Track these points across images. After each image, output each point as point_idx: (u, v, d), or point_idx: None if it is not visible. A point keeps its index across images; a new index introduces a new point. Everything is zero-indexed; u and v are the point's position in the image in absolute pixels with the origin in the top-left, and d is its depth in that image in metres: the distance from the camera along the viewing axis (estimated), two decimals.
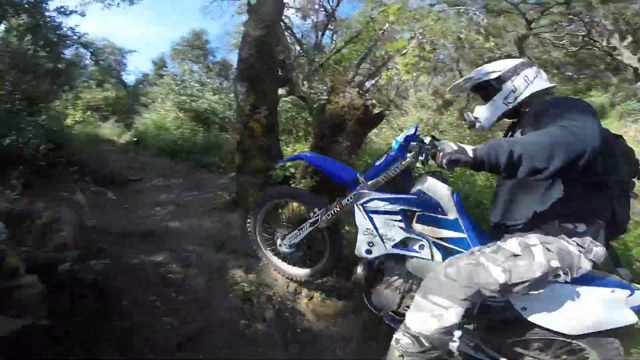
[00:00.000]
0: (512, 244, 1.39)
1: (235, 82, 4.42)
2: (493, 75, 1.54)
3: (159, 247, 2.78)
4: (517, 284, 1.31)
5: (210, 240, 2.93)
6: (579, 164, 1.13)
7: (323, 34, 12.35)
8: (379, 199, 1.55)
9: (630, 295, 1.37)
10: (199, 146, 7.19)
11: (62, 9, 8.89)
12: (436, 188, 1.54)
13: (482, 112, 1.58)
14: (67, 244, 2.08)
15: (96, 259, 2.08)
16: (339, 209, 1.87)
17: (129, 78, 18.29)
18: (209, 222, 3.51)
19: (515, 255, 1.34)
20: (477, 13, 10.63)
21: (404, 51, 9.87)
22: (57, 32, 8.92)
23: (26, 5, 8.40)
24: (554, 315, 1.40)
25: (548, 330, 1.43)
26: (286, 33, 11.07)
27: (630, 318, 1.36)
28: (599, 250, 1.38)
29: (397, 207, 1.52)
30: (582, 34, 11.11)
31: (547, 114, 1.32)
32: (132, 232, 2.94)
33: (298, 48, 12.60)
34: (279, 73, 5.30)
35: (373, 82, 11.48)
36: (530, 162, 1.12)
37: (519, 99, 1.52)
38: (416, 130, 1.62)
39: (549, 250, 1.34)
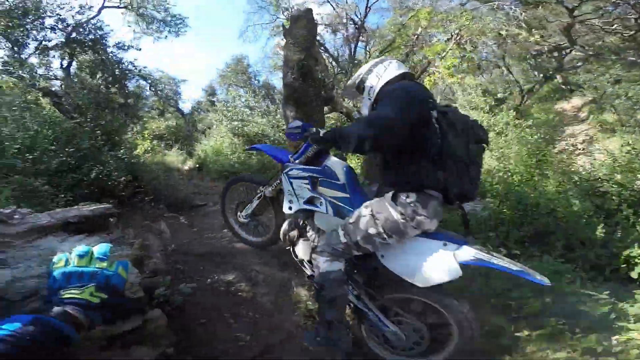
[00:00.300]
0: (359, 210, 1.79)
1: (284, 107, 4.65)
2: (358, 79, 1.94)
3: (228, 267, 3.02)
4: (354, 245, 1.75)
5: (274, 260, 3.09)
6: (370, 146, 1.45)
7: (356, 47, 12.46)
8: (296, 169, 2.13)
9: (458, 249, 1.59)
10: (254, 168, 7.64)
11: (121, 45, 10.19)
12: (334, 162, 2.08)
13: (362, 109, 1.95)
14: (158, 269, 2.37)
15: (182, 282, 2.36)
16: (277, 182, 2.51)
17: (185, 106, 19.83)
18: None
19: (354, 222, 1.76)
20: (513, 7, 10.10)
21: (444, 54, 9.76)
22: (120, 66, 10.12)
23: (90, 43, 9.70)
24: (401, 262, 1.73)
25: (400, 278, 1.73)
26: (320, 49, 11.44)
27: (455, 273, 1.56)
28: (421, 219, 1.61)
29: (306, 174, 2.07)
30: (634, 17, 9.95)
31: (379, 103, 1.66)
32: (203, 254, 3.21)
33: (334, 63, 12.93)
34: (322, 93, 5.50)
35: None
36: (344, 143, 1.56)
37: (375, 93, 1.83)
38: (303, 123, 2.10)
39: (375, 218, 1.68)
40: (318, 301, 1.92)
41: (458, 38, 9.84)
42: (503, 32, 10.97)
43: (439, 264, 1.60)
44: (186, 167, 8.90)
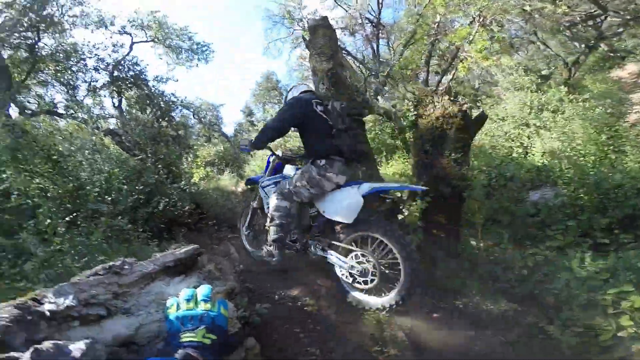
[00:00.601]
0: (296, 172, 2.88)
1: None
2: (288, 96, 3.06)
3: (292, 283, 3.11)
4: (294, 191, 2.74)
5: (333, 272, 3.12)
6: (279, 134, 2.80)
7: (378, 45, 12.23)
8: (266, 180, 3.15)
9: (359, 187, 2.53)
10: None
11: (159, 78, 10.95)
12: (287, 168, 3.12)
13: None
14: (234, 291, 2.49)
15: (256, 301, 2.47)
16: (258, 194, 3.37)
17: (228, 130, 20.85)
18: None
19: (292, 177, 2.82)
20: None
21: (471, 38, 9.30)
22: (164, 99, 10.84)
23: (132, 79, 10.54)
24: (333, 209, 2.63)
25: (335, 221, 2.68)
26: (343, 54, 11.34)
27: (360, 200, 2.48)
28: (330, 175, 2.62)
29: (272, 182, 3.10)
30: None
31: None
32: (267, 271, 3.34)
33: (360, 66, 12.81)
34: (356, 98, 5.44)
35: (450, 77, 10.83)
36: (257, 145, 2.77)
37: None
38: (249, 138, 3.08)
39: (302, 176, 2.69)
40: (269, 226, 2.79)
41: (481, 20, 9.33)
42: (527, 8, 10.38)
43: (352, 201, 2.49)
44: (239, 190, 9.32)
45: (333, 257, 2.67)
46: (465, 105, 3.90)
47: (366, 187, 2.49)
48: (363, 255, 2.52)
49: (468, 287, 2.73)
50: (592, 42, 10.82)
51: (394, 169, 7.49)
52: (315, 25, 4.62)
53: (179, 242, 3.77)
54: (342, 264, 2.61)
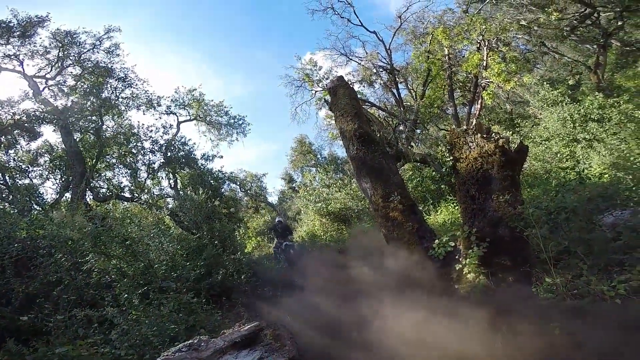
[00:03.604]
0: None
1: (358, 181, 4.58)
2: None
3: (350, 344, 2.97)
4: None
5: None
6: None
7: (398, 90, 12.53)
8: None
9: None
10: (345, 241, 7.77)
11: (206, 156, 12.10)
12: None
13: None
14: (294, 356, 2.46)
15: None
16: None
17: (272, 198, 21.71)
18: None
19: None
20: None
21: (483, 63, 9.46)
22: (213, 176, 11.74)
23: (183, 159, 11.62)
24: None
25: None
26: (365, 106, 11.83)
27: None
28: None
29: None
30: None
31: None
32: (321, 326, 3.28)
33: (387, 117, 13.14)
34: (389, 150, 5.46)
35: (478, 106, 10.76)
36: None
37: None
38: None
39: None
40: None
41: (487, 44, 9.54)
42: (523, 22, 10.51)
43: None
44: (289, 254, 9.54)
45: None
46: (502, 140, 3.74)
47: None
48: None
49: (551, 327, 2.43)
50: (602, 40, 10.51)
51: (444, 216, 7.24)
52: (333, 87, 4.86)
53: (238, 309, 3.86)
54: None
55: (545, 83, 9.11)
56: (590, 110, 7.11)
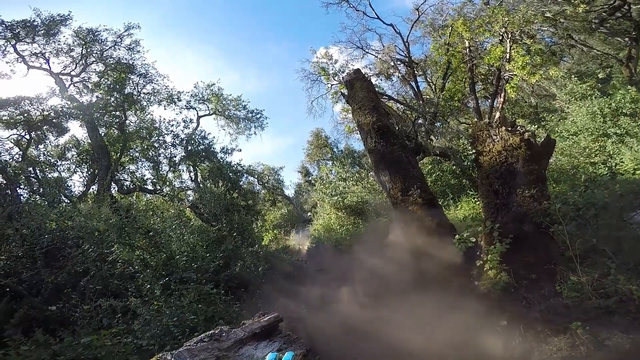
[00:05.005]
0: None
1: (377, 174, 4.49)
2: None
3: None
4: None
5: None
6: None
7: (416, 83, 12.17)
8: None
9: None
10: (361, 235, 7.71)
11: (225, 149, 12.24)
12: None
13: None
14: (309, 353, 2.50)
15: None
16: None
17: (289, 192, 21.82)
18: None
19: None
20: None
21: (507, 56, 8.99)
22: (232, 169, 11.93)
23: (203, 153, 11.85)
24: None
25: None
26: (383, 99, 11.55)
27: None
28: None
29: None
30: None
31: None
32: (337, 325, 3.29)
33: (403, 108, 12.81)
34: (408, 144, 5.29)
35: (501, 100, 10.36)
36: None
37: None
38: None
39: None
40: None
41: (510, 36, 9.10)
42: (548, 14, 9.97)
43: None
44: (305, 247, 9.57)
45: None
46: (527, 133, 3.59)
47: None
48: None
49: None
50: (633, 33, 9.89)
51: (464, 211, 7.06)
52: (350, 80, 4.75)
53: (256, 301, 3.94)
54: None
55: (573, 76, 8.73)
56: (622, 105, 6.79)
